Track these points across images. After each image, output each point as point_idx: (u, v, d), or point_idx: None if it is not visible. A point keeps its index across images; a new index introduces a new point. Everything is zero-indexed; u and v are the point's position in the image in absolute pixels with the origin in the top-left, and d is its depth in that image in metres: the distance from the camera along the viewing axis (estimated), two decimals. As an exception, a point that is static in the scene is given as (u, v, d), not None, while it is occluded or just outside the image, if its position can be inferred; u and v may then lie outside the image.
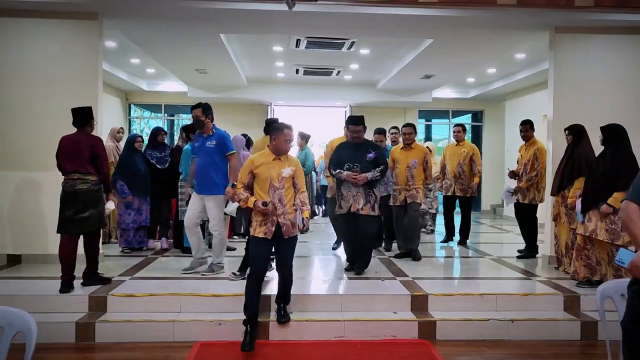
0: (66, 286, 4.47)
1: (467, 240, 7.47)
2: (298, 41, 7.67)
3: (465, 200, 7.26)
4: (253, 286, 3.99)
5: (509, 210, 9.22)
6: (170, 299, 4.40)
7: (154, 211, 6.57)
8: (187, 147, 5.97)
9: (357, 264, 5.37)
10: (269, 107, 12.52)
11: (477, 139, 13.10)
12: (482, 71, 9.83)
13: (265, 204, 3.92)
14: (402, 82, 10.29)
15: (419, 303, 4.54)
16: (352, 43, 7.74)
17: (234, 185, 4.77)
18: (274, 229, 3.99)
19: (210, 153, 5.04)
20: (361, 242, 5.33)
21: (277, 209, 3.97)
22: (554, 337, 4.31)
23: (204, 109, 5.08)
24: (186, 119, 12.56)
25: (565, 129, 5.47)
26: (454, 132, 7.41)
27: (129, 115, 12.66)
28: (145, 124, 13.52)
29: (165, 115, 13.05)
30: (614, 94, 6.00)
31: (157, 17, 5.96)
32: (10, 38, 5.73)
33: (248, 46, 8.39)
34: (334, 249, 6.83)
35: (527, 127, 6.37)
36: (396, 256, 6.28)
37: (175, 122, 13.53)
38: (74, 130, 4.70)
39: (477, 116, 13.50)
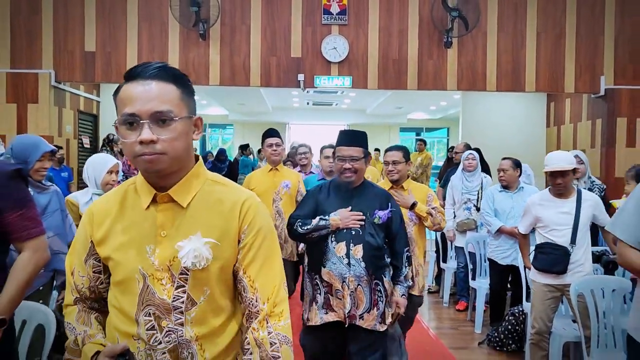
0: None
1: None
2: (308, 90, 11.75)
3: None
4: None
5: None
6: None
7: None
8: (243, 157, 10.02)
9: None
10: (287, 125, 16.71)
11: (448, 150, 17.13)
12: (438, 103, 13.82)
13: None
14: (383, 110, 14.34)
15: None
16: (343, 91, 11.82)
17: None
18: None
19: None
20: None
21: None
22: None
23: None
24: (215, 134, 16.80)
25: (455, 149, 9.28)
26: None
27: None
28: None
29: (204, 132, 17.33)
30: (502, 131, 9.86)
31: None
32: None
33: (274, 90, 12.44)
34: None
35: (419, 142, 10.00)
36: None
37: (206, 137, 17.82)
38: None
39: (446, 132, 17.50)
